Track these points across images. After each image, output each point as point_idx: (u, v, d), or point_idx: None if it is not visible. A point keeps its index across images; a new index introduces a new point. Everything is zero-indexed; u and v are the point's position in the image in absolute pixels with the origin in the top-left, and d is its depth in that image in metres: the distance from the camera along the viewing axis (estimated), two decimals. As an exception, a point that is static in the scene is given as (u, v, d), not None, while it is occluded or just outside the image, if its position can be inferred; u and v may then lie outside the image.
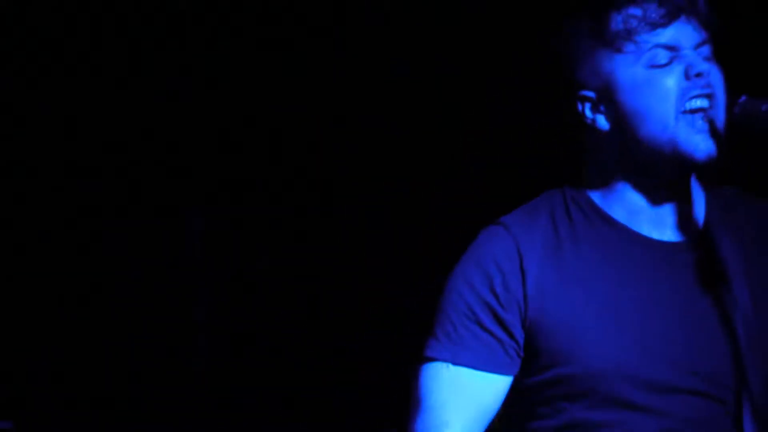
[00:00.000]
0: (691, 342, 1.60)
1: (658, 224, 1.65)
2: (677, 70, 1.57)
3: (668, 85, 1.56)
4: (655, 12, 1.58)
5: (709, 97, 1.56)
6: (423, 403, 1.68)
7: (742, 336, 1.60)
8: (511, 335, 1.63)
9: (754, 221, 1.72)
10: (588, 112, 1.66)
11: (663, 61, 1.58)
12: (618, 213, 1.66)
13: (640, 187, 1.65)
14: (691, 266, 1.64)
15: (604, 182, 1.68)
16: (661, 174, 1.62)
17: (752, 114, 1.53)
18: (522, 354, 1.64)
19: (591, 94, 1.65)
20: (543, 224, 1.68)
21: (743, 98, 1.55)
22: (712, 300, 1.62)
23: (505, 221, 1.70)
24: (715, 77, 1.57)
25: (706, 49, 1.61)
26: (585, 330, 1.60)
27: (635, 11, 1.59)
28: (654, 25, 1.57)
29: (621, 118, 1.62)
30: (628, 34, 1.59)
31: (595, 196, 1.69)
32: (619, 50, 1.60)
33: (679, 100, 1.55)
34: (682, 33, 1.59)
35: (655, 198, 1.64)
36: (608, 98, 1.63)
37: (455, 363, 1.64)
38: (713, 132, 1.56)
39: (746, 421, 1.58)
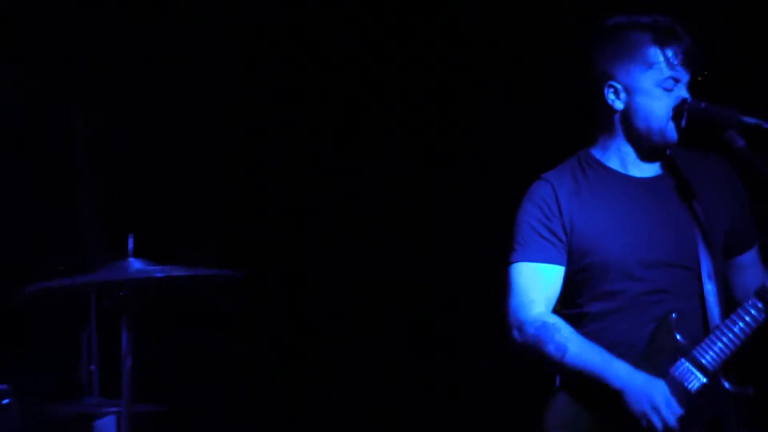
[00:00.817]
0: (668, 235, 2.96)
1: (641, 168, 3.02)
2: (674, 95, 2.88)
3: (668, 103, 2.89)
4: (679, 59, 2.91)
5: None
6: (513, 291, 3.01)
7: (698, 230, 2.94)
8: (559, 239, 2.96)
9: (703, 165, 3.05)
10: (611, 96, 2.96)
11: (669, 87, 2.89)
12: (613, 163, 3.03)
13: (631, 147, 3.01)
14: (663, 191, 3.01)
15: (606, 144, 3.05)
16: (648, 143, 2.97)
17: (696, 109, 2.84)
18: (566, 252, 2.99)
19: (618, 85, 2.94)
20: (567, 175, 3.07)
21: (689, 101, 2.90)
22: (677, 209, 2.99)
23: (544, 176, 3.07)
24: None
25: (687, 85, 2.97)
26: (599, 233, 2.96)
27: (668, 52, 2.90)
28: (674, 66, 2.90)
29: (632, 107, 2.95)
30: (659, 63, 2.90)
31: (598, 154, 3.07)
32: (649, 68, 2.91)
33: (670, 111, 2.91)
34: (683, 75, 2.92)
35: (640, 154, 3.00)
36: (628, 92, 2.94)
37: (530, 261, 2.98)
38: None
39: (704, 278, 2.91)
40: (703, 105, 2.86)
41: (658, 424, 2.73)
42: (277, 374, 5.47)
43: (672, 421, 2.72)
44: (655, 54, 2.89)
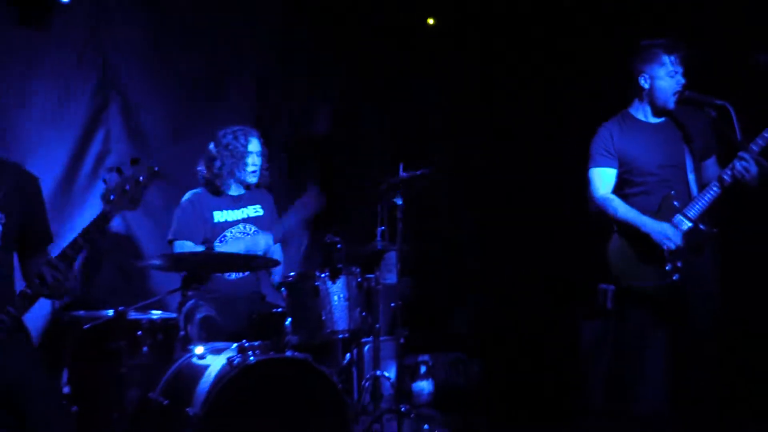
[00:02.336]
0: (667, 150, 4.51)
1: (654, 119, 4.60)
2: (675, 81, 4.44)
3: (671, 85, 4.44)
4: (677, 61, 4.43)
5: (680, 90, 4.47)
6: (591, 183, 4.59)
7: (685, 147, 4.50)
8: (612, 155, 4.58)
9: (688, 114, 4.52)
10: (641, 79, 4.52)
11: (672, 76, 4.44)
12: (639, 115, 4.63)
13: (649, 108, 4.58)
14: (666, 129, 4.58)
15: (636, 106, 4.63)
16: (658, 106, 4.53)
17: (689, 95, 4.42)
18: (616, 161, 4.56)
19: (646, 74, 4.50)
20: (616, 123, 4.66)
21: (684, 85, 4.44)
22: (673, 137, 4.54)
23: (604, 124, 4.67)
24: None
25: (682, 74, 4.45)
26: (631, 151, 4.53)
27: (671, 58, 4.43)
28: (674, 64, 4.44)
29: (653, 86, 4.50)
30: (667, 64, 4.44)
31: (633, 111, 4.65)
32: (662, 66, 4.45)
33: (673, 89, 4.44)
34: (679, 69, 4.44)
35: (654, 111, 4.58)
36: (651, 78, 4.49)
37: (601, 166, 4.59)
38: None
39: (688, 173, 4.47)
40: (691, 93, 4.35)
41: (671, 244, 4.23)
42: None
43: (677, 242, 4.23)
44: (665, 59, 4.39)
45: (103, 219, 3.06)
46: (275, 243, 4.92)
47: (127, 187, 3.07)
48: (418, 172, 4.90)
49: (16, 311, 3.05)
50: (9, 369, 3.12)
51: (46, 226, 3.48)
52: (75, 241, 3.05)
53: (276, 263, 4.62)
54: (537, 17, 6.53)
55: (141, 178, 3.08)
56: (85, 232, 3.06)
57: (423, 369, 6.07)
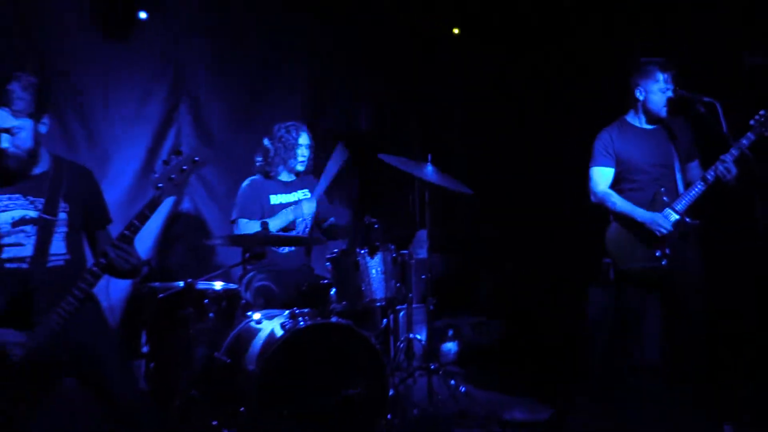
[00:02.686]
0: (658, 152, 4.44)
1: (647, 125, 4.52)
2: (666, 95, 4.37)
3: (663, 98, 4.39)
4: (669, 78, 4.37)
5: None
6: (592, 180, 4.55)
7: (673, 149, 4.42)
8: (611, 156, 4.50)
9: (676, 123, 4.48)
10: (637, 92, 4.47)
11: (664, 91, 4.37)
12: (635, 122, 4.55)
13: (644, 116, 4.51)
14: (658, 134, 4.50)
15: (632, 114, 4.55)
16: (652, 115, 4.47)
17: (681, 93, 4.35)
18: (614, 161, 4.48)
19: (642, 88, 4.45)
20: (616, 127, 4.57)
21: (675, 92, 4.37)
22: (664, 141, 4.47)
23: (605, 129, 4.57)
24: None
25: (673, 90, 4.38)
26: (627, 152, 4.46)
27: (665, 75, 4.38)
28: (667, 81, 4.37)
29: (647, 98, 4.45)
30: (660, 80, 4.38)
31: (629, 118, 4.58)
32: (656, 82, 4.39)
33: (664, 102, 4.39)
34: (670, 85, 4.36)
35: (647, 119, 4.51)
36: (645, 91, 4.44)
37: (601, 166, 4.53)
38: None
39: (676, 172, 4.40)
40: (682, 91, 4.29)
41: (662, 230, 4.18)
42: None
43: (668, 228, 4.19)
44: (659, 75, 4.35)
45: (153, 203, 3.06)
46: (316, 200, 4.92)
47: (173, 176, 3.07)
48: (449, 185, 4.94)
49: (86, 285, 3.06)
50: (82, 332, 3.16)
51: (104, 209, 3.50)
52: (132, 222, 3.06)
53: (319, 241, 4.71)
54: (552, 28, 6.47)
55: (184, 167, 3.08)
56: (140, 215, 3.06)
57: (450, 332, 6.08)
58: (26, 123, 3.13)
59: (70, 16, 5.37)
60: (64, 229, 3.27)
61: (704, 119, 4.21)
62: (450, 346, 6.03)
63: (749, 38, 4.93)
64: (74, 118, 5.42)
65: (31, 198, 3.22)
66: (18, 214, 3.19)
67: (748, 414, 3.95)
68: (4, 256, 3.16)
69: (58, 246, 3.25)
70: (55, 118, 5.21)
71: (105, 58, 5.51)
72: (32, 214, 3.20)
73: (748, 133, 4.15)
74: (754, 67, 4.83)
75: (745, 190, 4.18)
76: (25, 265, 3.15)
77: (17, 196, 3.21)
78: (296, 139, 4.97)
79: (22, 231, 3.18)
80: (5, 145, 3.10)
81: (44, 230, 3.18)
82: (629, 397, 4.43)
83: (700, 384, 4.23)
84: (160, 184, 3.06)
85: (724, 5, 5.17)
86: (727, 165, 4.13)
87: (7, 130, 3.10)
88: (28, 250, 3.16)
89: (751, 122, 4.18)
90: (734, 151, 4.14)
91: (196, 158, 3.09)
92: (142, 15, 5.52)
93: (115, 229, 3.51)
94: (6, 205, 3.18)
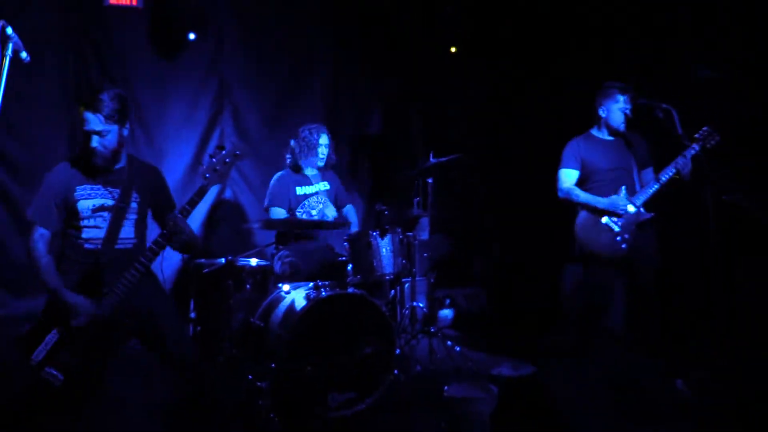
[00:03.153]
0: (618, 158, 4.38)
1: (609, 136, 4.45)
2: (624, 112, 4.35)
3: (621, 116, 4.37)
4: (628, 99, 4.34)
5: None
6: (559, 179, 4.49)
7: (631, 156, 4.41)
8: (577, 160, 4.43)
9: (632, 136, 4.45)
10: (600, 110, 4.44)
11: (623, 111, 4.35)
12: (599, 135, 4.48)
13: (606, 129, 4.45)
14: (618, 144, 4.43)
15: (597, 128, 4.48)
16: (612, 129, 4.42)
17: (641, 101, 4.26)
18: (580, 164, 4.41)
19: (604, 107, 4.42)
20: (582, 139, 4.48)
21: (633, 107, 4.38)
22: (623, 149, 4.42)
23: (574, 138, 4.49)
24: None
25: (630, 110, 4.34)
26: (591, 159, 4.40)
27: (624, 96, 4.35)
28: (626, 101, 4.34)
29: (609, 116, 4.42)
30: (619, 101, 4.35)
31: (594, 131, 4.50)
32: (616, 102, 4.38)
33: (623, 119, 4.38)
34: (629, 104, 4.33)
35: (609, 132, 4.44)
36: (607, 110, 4.42)
37: (567, 168, 4.47)
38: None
39: (634, 175, 4.42)
40: (643, 99, 4.24)
41: (621, 210, 4.19)
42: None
43: (625, 209, 4.18)
44: (618, 97, 4.34)
45: (202, 190, 3.09)
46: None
47: (218, 167, 3.09)
48: (445, 159, 4.88)
49: (146, 260, 3.07)
50: (144, 300, 3.15)
51: (170, 198, 3.50)
52: (184, 207, 3.08)
53: (337, 225, 4.64)
54: (551, 37, 6.33)
55: (227, 159, 3.09)
56: (190, 201, 3.08)
57: (447, 301, 6.03)
58: (113, 127, 3.14)
59: (132, 38, 5.39)
60: (134, 216, 3.28)
61: (662, 123, 4.16)
62: (447, 313, 5.96)
63: (698, 54, 4.86)
64: (135, 122, 5.41)
65: (110, 189, 3.23)
66: (98, 202, 3.19)
67: (697, 371, 3.89)
68: (84, 236, 3.17)
69: (128, 231, 3.25)
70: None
71: (159, 72, 5.52)
72: (109, 202, 3.21)
73: (693, 144, 4.15)
74: (703, 79, 4.76)
75: (696, 185, 4.11)
76: (99, 246, 3.16)
77: (98, 186, 3.22)
78: (317, 140, 4.91)
79: (101, 216, 3.18)
80: (95, 144, 3.12)
81: (117, 216, 3.19)
82: (597, 358, 4.37)
83: (654, 346, 4.21)
84: (207, 175, 3.08)
85: (677, 26, 5.10)
86: (684, 160, 4.13)
87: (98, 133, 3.11)
88: (103, 234, 3.18)
89: (696, 135, 4.18)
90: (691, 152, 4.14)
91: (237, 152, 3.13)
92: (191, 36, 5.53)
93: None
94: (89, 194, 3.19)
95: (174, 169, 5.57)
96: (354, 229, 5.01)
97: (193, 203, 3.08)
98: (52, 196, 3.14)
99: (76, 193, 3.17)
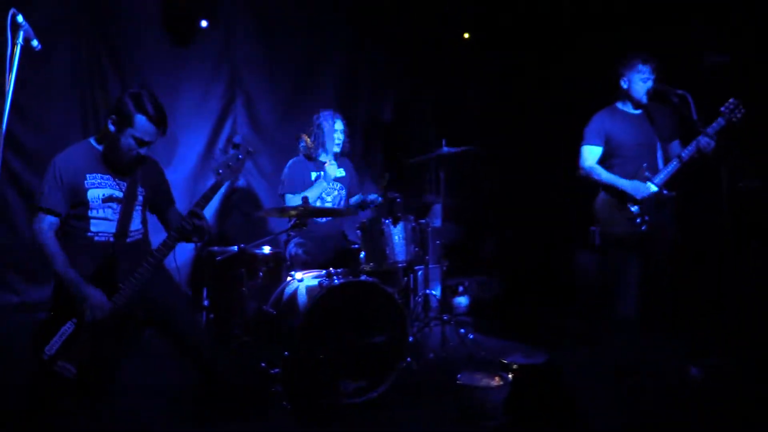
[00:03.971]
0: (642, 133, 4.30)
1: (633, 109, 4.35)
2: (648, 84, 4.23)
3: (644, 87, 4.25)
4: (650, 70, 4.23)
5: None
6: (582, 156, 4.40)
7: (654, 131, 4.34)
8: (601, 136, 4.35)
9: (657, 108, 4.37)
10: (622, 81, 4.33)
11: (645, 81, 4.24)
12: (623, 108, 4.38)
13: (630, 102, 4.36)
14: (641, 117, 4.34)
15: (620, 100, 4.40)
16: (636, 101, 4.32)
17: (658, 86, 4.21)
18: (604, 141, 4.34)
19: (625, 77, 4.31)
20: (607, 112, 4.40)
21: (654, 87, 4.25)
22: (647, 123, 4.32)
23: (598, 113, 4.40)
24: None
25: (654, 80, 4.22)
26: (616, 133, 4.32)
27: (646, 67, 4.23)
28: (648, 72, 4.24)
29: (631, 87, 4.32)
30: (642, 71, 4.24)
31: (618, 104, 4.41)
32: (639, 72, 4.27)
33: (645, 90, 4.24)
34: (651, 76, 4.23)
35: (633, 105, 4.35)
36: (629, 80, 4.31)
37: (591, 144, 4.38)
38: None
39: (657, 151, 4.31)
40: (660, 85, 4.19)
41: (640, 195, 4.11)
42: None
43: (645, 194, 4.11)
44: (641, 67, 4.24)
45: (215, 187, 3.09)
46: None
47: (231, 163, 3.08)
48: (459, 149, 4.84)
49: (159, 254, 3.05)
50: (155, 291, 3.14)
51: (169, 192, 3.49)
52: (198, 202, 3.09)
53: (350, 212, 4.62)
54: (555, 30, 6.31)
55: (240, 156, 3.09)
56: (204, 197, 3.09)
57: (460, 288, 6.01)
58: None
59: (143, 26, 5.37)
60: (140, 208, 3.27)
61: (677, 109, 4.16)
62: (460, 301, 5.95)
63: (709, 41, 4.85)
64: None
65: (119, 180, 3.19)
66: (108, 192, 3.15)
67: (710, 357, 3.88)
68: (93, 229, 3.13)
69: (136, 223, 3.25)
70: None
71: (172, 59, 5.50)
72: (118, 194, 3.18)
73: (719, 118, 4.08)
74: (713, 65, 4.75)
75: (716, 166, 4.07)
76: (111, 239, 3.14)
77: (108, 176, 3.17)
78: (332, 125, 4.88)
79: (110, 207, 3.15)
80: (141, 152, 3.12)
81: (127, 209, 3.18)
82: (610, 345, 4.35)
83: (667, 331, 4.19)
84: (221, 171, 3.07)
85: (688, 15, 5.07)
86: (708, 140, 4.04)
87: (149, 143, 3.12)
88: (113, 226, 3.15)
89: (722, 109, 4.09)
90: (710, 130, 4.06)
91: (250, 149, 3.14)
92: (203, 24, 5.49)
93: (180, 201, 3.51)
94: (99, 183, 3.14)
95: (186, 159, 5.57)
96: (364, 216, 4.98)
97: (206, 198, 3.09)
98: (62, 181, 3.06)
99: (86, 181, 3.11)
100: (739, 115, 4.08)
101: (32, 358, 2.90)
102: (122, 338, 2.99)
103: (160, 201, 3.40)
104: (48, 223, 3.05)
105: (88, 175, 3.12)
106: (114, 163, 3.16)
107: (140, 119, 3.02)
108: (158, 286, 3.16)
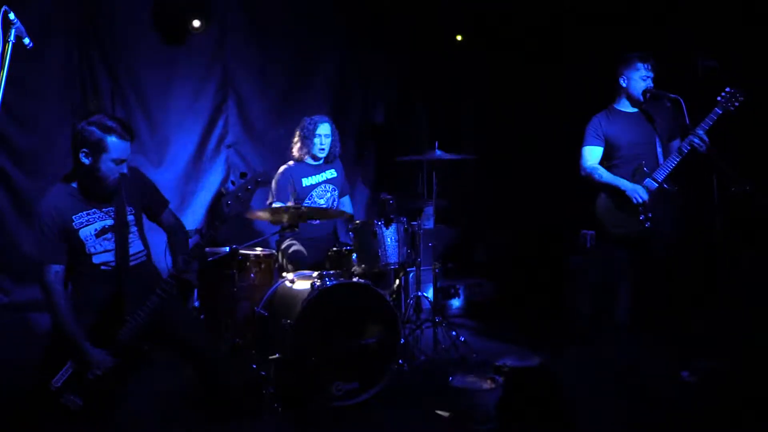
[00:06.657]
0: (640, 132, 4.33)
1: (631, 109, 4.38)
2: (646, 83, 4.28)
3: (642, 85, 4.29)
4: (648, 68, 4.30)
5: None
6: (582, 157, 4.42)
7: (653, 130, 4.35)
8: (600, 138, 4.38)
9: (655, 106, 4.35)
10: (621, 80, 4.37)
11: (644, 79, 4.28)
12: (621, 107, 4.41)
13: (627, 101, 4.39)
14: (639, 116, 4.38)
15: (618, 100, 4.42)
16: (633, 100, 4.37)
17: (652, 91, 4.26)
18: (603, 141, 4.38)
19: (624, 76, 4.35)
20: (605, 114, 4.42)
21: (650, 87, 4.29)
22: (645, 122, 4.35)
23: (596, 115, 4.43)
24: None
25: (652, 79, 4.28)
26: (614, 134, 4.35)
27: (644, 65, 4.28)
28: (646, 70, 4.28)
29: (629, 85, 4.36)
30: (640, 69, 4.29)
31: (616, 104, 4.43)
32: (637, 71, 4.30)
33: (643, 88, 4.27)
34: (650, 74, 4.28)
35: (631, 103, 4.38)
36: (627, 78, 4.35)
37: (590, 145, 4.41)
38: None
39: (657, 149, 4.33)
40: (654, 89, 4.24)
41: (639, 198, 4.13)
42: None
43: (644, 198, 4.15)
44: (639, 65, 4.27)
45: (222, 219, 3.03)
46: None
47: (239, 194, 3.02)
48: (451, 156, 4.83)
49: (167, 287, 3.04)
50: (159, 316, 3.11)
51: (160, 195, 3.40)
52: (207, 233, 3.08)
53: (342, 214, 4.57)
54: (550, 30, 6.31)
55: (249, 186, 3.03)
56: (212, 227, 3.08)
57: (452, 290, 6.01)
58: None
59: (135, 25, 5.33)
60: (135, 228, 3.23)
61: (671, 112, 4.25)
62: (454, 302, 5.97)
63: (701, 46, 4.80)
64: (138, 110, 5.39)
65: (105, 209, 3.13)
66: (99, 225, 3.11)
67: (702, 361, 3.87)
68: (96, 261, 3.10)
69: (136, 245, 3.22)
70: (123, 109, 5.23)
71: (164, 59, 5.47)
72: (109, 222, 3.13)
73: (716, 108, 4.09)
74: (705, 69, 4.69)
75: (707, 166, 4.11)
76: (114, 266, 3.12)
77: (93, 210, 3.11)
78: (314, 130, 4.85)
79: (106, 239, 3.12)
80: (122, 171, 3.05)
81: (122, 235, 3.14)
82: (603, 348, 4.36)
83: (660, 334, 4.20)
84: (230, 202, 3.01)
85: (680, 20, 5.09)
86: (701, 136, 4.05)
87: (125, 161, 3.05)
88: (113, 255, 3.13)
89: (718, 98, 4.11)
90: (705, 125, 4.08)
91: (259, 179, 3.07)
92: (196, 23, 5.44)
93: (171, 202, 3.48)
94: (88, 220, 3.09)
95: (178, 159, 5.55)
96: (356, 217, 4.95)
97: (215, 228, 3.07)
98: (54, 230, 3.02)
99: (74, 223, 3.06)
100: (736, 104, 4.07)
101: (38, 389, 2.93)
102: (127, 372, 3.00)
103: (151, 208, 3.36)
104: (53, 273, 3.01)
105: (74, 217, 3.07)
106: (96, 194, 3.10)
107: (112, 141, 2.97)
108: (162, 310, 3.12)
